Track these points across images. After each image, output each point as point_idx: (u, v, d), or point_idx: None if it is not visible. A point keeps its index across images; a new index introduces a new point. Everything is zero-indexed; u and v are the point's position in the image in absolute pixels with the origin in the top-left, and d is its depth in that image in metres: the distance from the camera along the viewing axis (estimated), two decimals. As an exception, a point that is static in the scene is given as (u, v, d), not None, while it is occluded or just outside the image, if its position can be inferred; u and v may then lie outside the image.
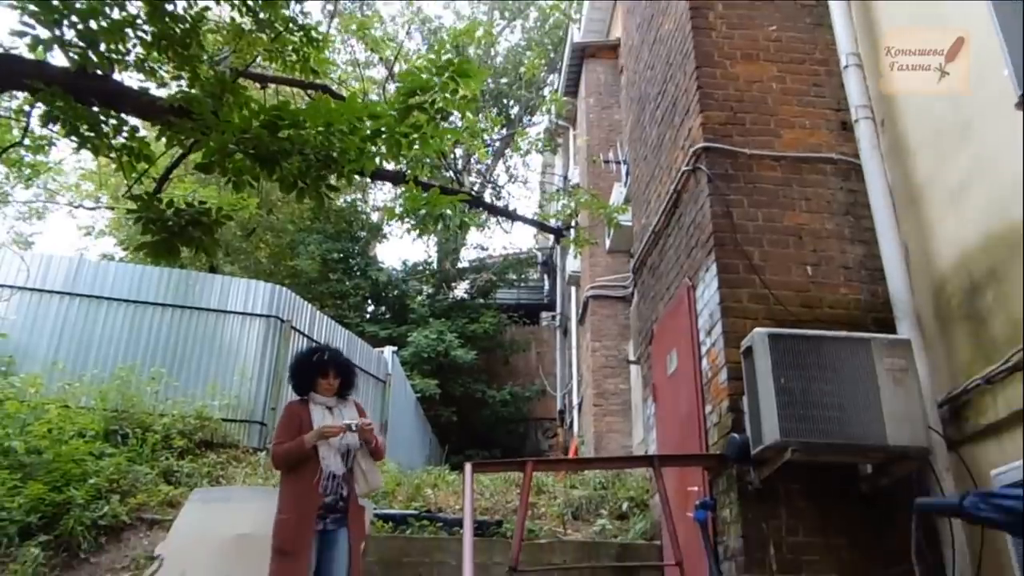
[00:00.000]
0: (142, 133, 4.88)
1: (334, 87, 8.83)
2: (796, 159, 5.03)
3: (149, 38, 4.78)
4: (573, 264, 14.85)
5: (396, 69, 12.48)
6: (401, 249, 40.88)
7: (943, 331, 4.23)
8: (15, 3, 4.28)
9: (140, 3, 4.66)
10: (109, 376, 8.15)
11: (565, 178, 17.07)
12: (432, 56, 5.43)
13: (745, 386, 4.12)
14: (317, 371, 4.77)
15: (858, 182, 4.91)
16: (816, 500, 4.12)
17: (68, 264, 9.18)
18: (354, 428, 4.54)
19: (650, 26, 6.84)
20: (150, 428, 7.54)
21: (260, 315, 9.42)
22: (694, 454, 4.82)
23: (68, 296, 8.85)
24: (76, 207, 15.42)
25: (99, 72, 4.61)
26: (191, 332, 9.15)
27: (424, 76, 5.01)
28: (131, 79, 5.16)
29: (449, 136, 5.76)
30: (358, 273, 19.06)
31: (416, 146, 5.08)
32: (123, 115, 4.74)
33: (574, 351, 15.26)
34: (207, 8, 5.25)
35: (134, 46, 4.85)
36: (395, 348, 13.94)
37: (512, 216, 9.64)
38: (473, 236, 23.01)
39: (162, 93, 5.26)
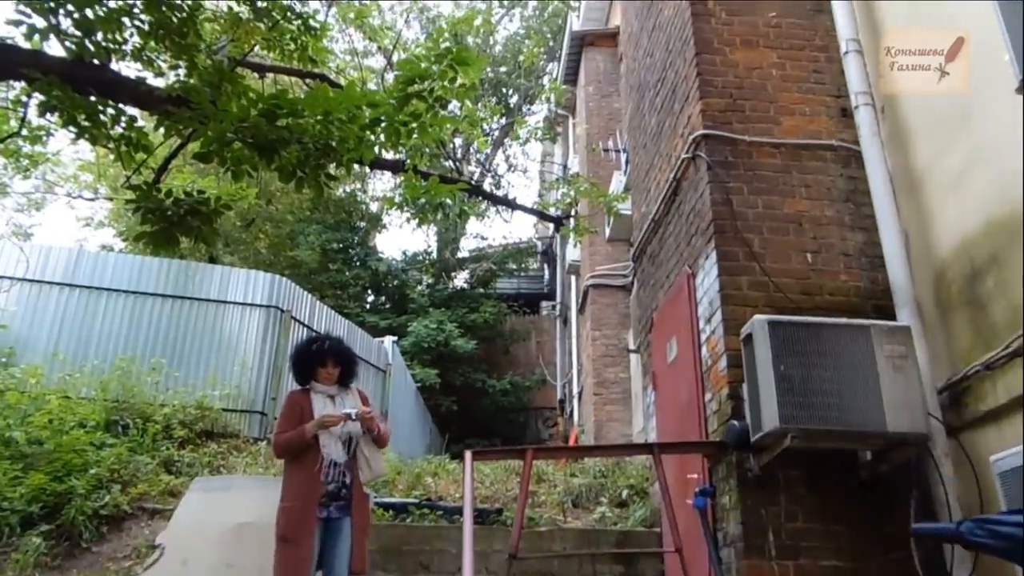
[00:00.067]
0: (140, 123, 4.86)
1: (332, 76, 8.78)
2: (796, 146, 5.01)
3: (146, 27, 4.77)
4: (573, 253, 14.84)
5: (395, 58, 12.44)
6: (401, 239, 40.97)
7: (943, 318, 4.23)
8: (10, -9, 4.27)
9: (136, -9, 4.65)
10: (109, 367, 8.16)
11: (565, 167, 17.04)
12: (430, 44, 5.41)
13: (745, 373, 4.12)
14: (317, 360, 4.77)
15: (858, 169, 4.90)
16: (815, 487, 4.13)
17: (67, 255, 9.17)
18: (354, 416, 4.55)
19: (649, 13, 6.82)
20: (151, 418, 7.55)
21: (260, 305, 9.42)
22: (694, 441, 4.83)
23: (68, 287, 8.85)
24: (75, 198, 15.43)
25: (96, 62, 4.59)
26: (191, 323, 9.15)
27: (423, 64, 4.99)
28: (128, 69, 5.15)
29: (448, 124, 5.75)
30: (358, 263, 19.06)
31: (415, 135, 5.07)
32: (121, 105, 4.72)
33: (574, 340, 15.28)
34: (204, -4, 5.24)
35: (131, 35, 4.84)
36: (395, 338, 13.95)
37: (512, 205, 9.62)
38: (473, 226, 23.02)
39: (159, 83, 5.24)
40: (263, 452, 7.82)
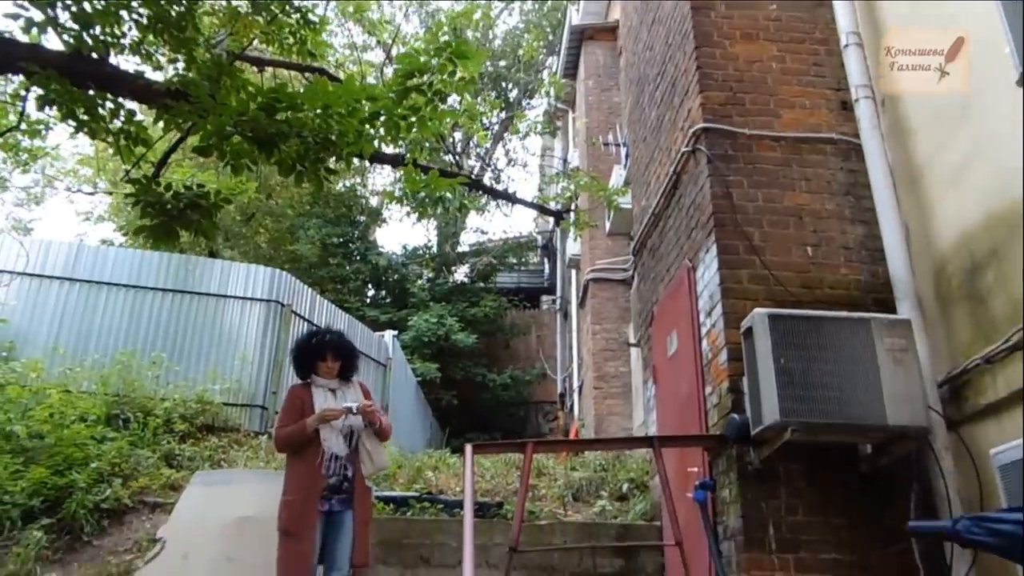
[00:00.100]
0: (139, 117, 4.85)
1: (332, 70, 8.78)
2: (796, 139, 5.01)
3: (144, 21, 4.75)
4: (573, 247, 14.83)
5: (394, 52, 12.41)
6: (401, 233, 40.96)
7: (943, 311, 4.22)
8: (9, -16, 4.25)
9: (135, -15, 4.63)
10: (110, 361, 8.16)
11: (564, 161, 17.02)
12: (429, 38, 5.39)
13: (745, 367, 4.12)
14: (316, 354, 4.79)
15: (858, 162, 4.89)
16: (815, 480, 4.13)
17: (67, 249, 9.17)
18: (355, 410, 4.56)
19: (649, 7, 6.80)
20: (151, 412, 7.56)
21: (260, 299, 9.42)
22: (694, 435, 4.83)
23: (68, 281, 8.85)
24: (74, 192, 15.41)
25: (94, 55, 4.57)
26: (191, 317, 9.15)
27: (422, 58, 4.98)
28: (127, 63, 5.15)
29: (448, 118, 5.73)
30: (358, 257, 19.05)
31: (415, 129, 5.06)
32: (120, 99, 4.71)
33: (574, 334, 15.28)
34: (203, -10, 5.22)
35: (129, 29, 4.82)
36: (395, 332, 13.95)
37: (512, 199, 9.61)
38: (473, 220, 22.99)
39: (158, 76, 5.23)
40: (264, 446, 7.83)
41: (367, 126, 4.77)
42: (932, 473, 3.96)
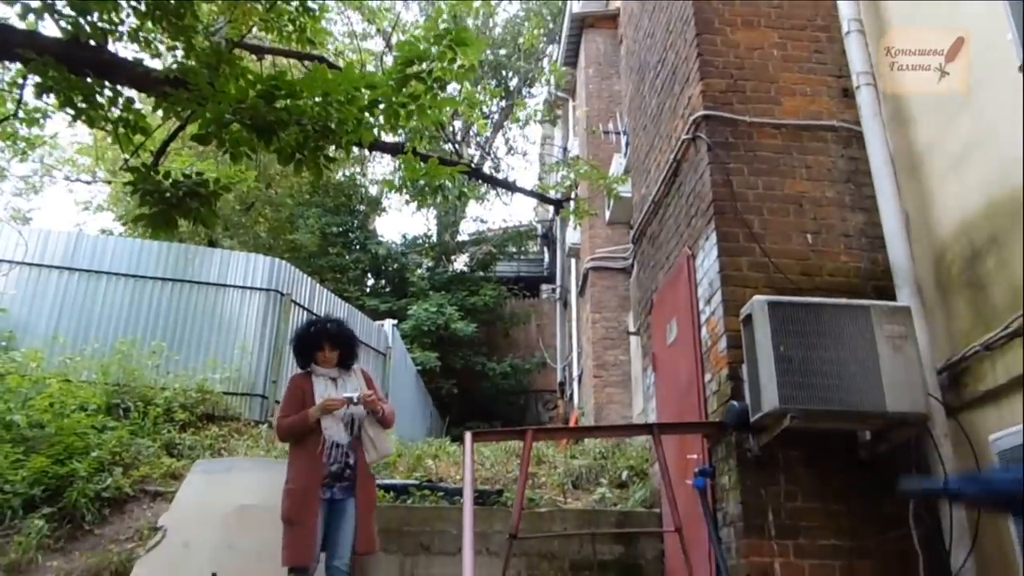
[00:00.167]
0: (138, 105, 4.84)
1: (331, 59, 8.75)
2: (797, 126, 4.99)
3: (143, 8, 4.72)
4: (573, 236, 14.82)
5: (393, 40, 12.34)
6: (400, 222, 40.90)
7: (943, 298, 4.23)
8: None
9: (132, -29, 4.61)
10: (110, 350, 8.16)
11: (564, 149, 16.98)
12: (429, 25, 5.37)
13: (744, 354, 4.12)
14: (315, 344, 4.81)
15: (859, 149, 4.88)
16: (815, 467, 4.14)
17: (67, 239, 9.16)
18: (356, 400, 4.57)
19: (649, -7, 6.76)
20: (151, 401, 7.57)
21: (260, 289, 9.41)
22: (693, 422, 4.84)
23: (67, 271, 8.84)
24: (73, 181, 15.38)
25: (92, 42, 4.56)
26: (191, 306, 9.15)
27: (421, 45, 4.96)
28: (125, 50, 5.12)
29: (447, 106, 5.71)
30: (357, 247, 19.05)
31: (414, 117, 5.04)
32: (118, 86, 4.70)
33: (574, 323, 15.28)
34: (201, -23, 5.20)
35: (127, 16, 4.80)
36: (395, 321, 13.95)
37: (511, 187, 9.59)
38: (473, 209, 22.98)
39: (157, 64, 5.21)
40: (264, 435, 7.84)
41: (366, 114, 4.76)
42: (931, 459, 3.97)
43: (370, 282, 19.82)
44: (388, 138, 6.86)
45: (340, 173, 19.72)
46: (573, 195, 10.41)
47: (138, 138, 4.86)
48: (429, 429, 14.70)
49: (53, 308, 8.63)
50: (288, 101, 4.43)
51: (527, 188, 11.38)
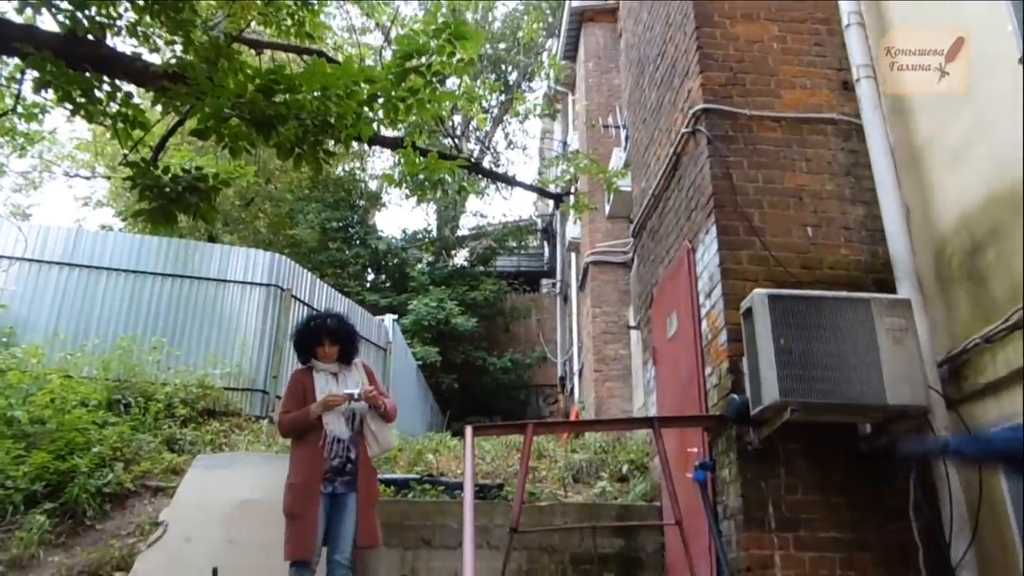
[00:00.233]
0: (136, 100, 4.83)
1: (330, 53, 8.72)
2: (797, 120, 4.98)
3: (141, 2, 4.72)
4: (573, 230, 14.81)
5: (392, 35, 12.31)
6: (400, 217, 40.95)
7: (943, 291, 4.22)
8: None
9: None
10: (110, 346, 8.16)
11: (564, 144, 16.96)
12: (428, 19, 5.36)
13: (745, 347, 4.12)
14: (314, 339, 4.81)
15: (859, 142, 4.87)
16: (815, 459, 4.14)
17: (66, 234, 9.15)
18: (357, 397, 4.58)
19: (649, -14, 6.75)
20: (152, 397, 7.56)
21: (260, 284, 9.40)
22: (694, 415, 4.84)
23: (67, 267, 8.82)
24: (72, 177, 15.37)
25: (91, 37, 4.55)
26: (191, 301, 9.13)
27: (420, 39, 4.95)
28: (124, 45, 5.11)
29: (447, 100, 5.70)
30: (357, 242, 19.03)
31: (413, 111, 5.04)
32: (117, 81, 4.69)
33: (574, 317, 15.29)
34: (199, -29, 5.18)
35: (125, 10, 4.79)
36: (395, 316, 13.96)
37: (511, 182, 9.59)
38: (472, 203, 23.00)
39: (155, 59, 5.20)
40: (265, 430, 7.84)
41: (366, 108, 4.76)
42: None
43: (370, 277, 19.82)
44: (387, 133, 6.85)
45: (340, 168, 19.70)
46: (573, 189, 10.39)
47: (137, 133, 4.85)
48: (430, 424, 14.71)
49: (53, 304, 8.62)
50: (287, 95, 4.42)
51: (527, 182, 11.39)
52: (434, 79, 5.00)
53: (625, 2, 8.49)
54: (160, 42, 5.37)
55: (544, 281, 20.80)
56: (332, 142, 4.84)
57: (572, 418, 12.92)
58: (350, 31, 14.23)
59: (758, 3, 5.31)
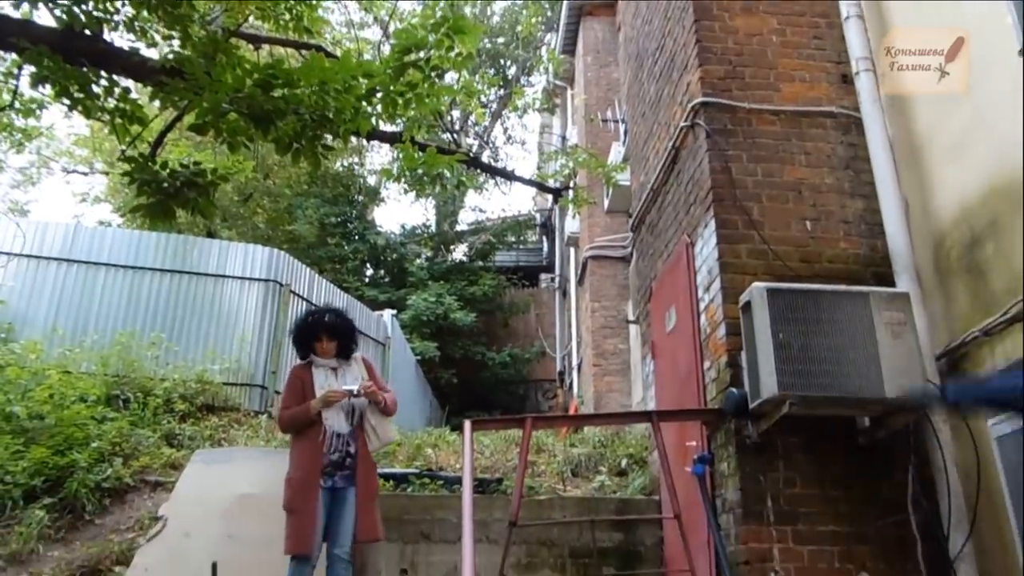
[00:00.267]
0: (134, 95, 4.82)
1: (328, 48, 8.70)
2: (796, 113, 4.98)
3: (138, -4, 4.71)
4: (572, 225, 14.80)
5: (391, 29, 12.28)
6: (399, 213, 40.89)
7: (942, 284, 4.22)
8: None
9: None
10: (109, 341, 8.16)
11: (563, 138, 16.94)
12: (427, 13, 5.34)
13: (743, 341, 4.12)
14: (312, 335, 4.82)
15: (858, 136, 4.87)
16: (813, 453, 4.15)
17: (65, 230, 9.14)
18: (356, 392, 4.58)
19: (648, -20, 6.73)
20: (151, 392, 7.56)
21: (259, 279, 9.40)
22: (692, 409, 4.84)
23: (65, 262, 8.82)
24: (70, 172, 15.34)
25: (88, 32, 4.54)
26: (190, 297, 9.13)
27: (419, 33, 4.94)
28: (121, 40, 5.10)
29: (445, 94, 5.70)
30: (356, 237, 19.01)
31: (412, 106, 5.03)
32: (114, 76, 4.68)
33: (573, 312, 15.28)
34: (196, -35, 5.16)
35: (123, 5, 4.78)
36: (394, 311, 13.95)
37: (510, 176, 9.57)
38: (471, 199, 22.92)
39: (153, 54, 5.19)
40: (264, 425, 7.85)
41: (364, 103, 4.75)
42: (930, 445, 3.98)
43: (369, 272, 19.80)
44: (386, 127, 6.84)
45: (338, 163, 19.68)
46: (572, 184, 10.40)
47: (135, 128, 4.85)
48: (429, 419, 14.71)
49: (52, 300, 8.62)
50: (285, 90, 4.42)
51: (526, 177, 11.37)
52: (433, 73, 4.99)
53: (624, -4, 8.47)
54: (158, 37, 5.36)
55: (543, 276, 20.77)
56: (330, 137, 4.83)
57: (571, 412, 12.92)
58: (348, 26, 14.20)
59: (757, -4, 5.30)
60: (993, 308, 3.71)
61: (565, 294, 17.23)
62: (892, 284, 4.33)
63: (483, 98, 17.76)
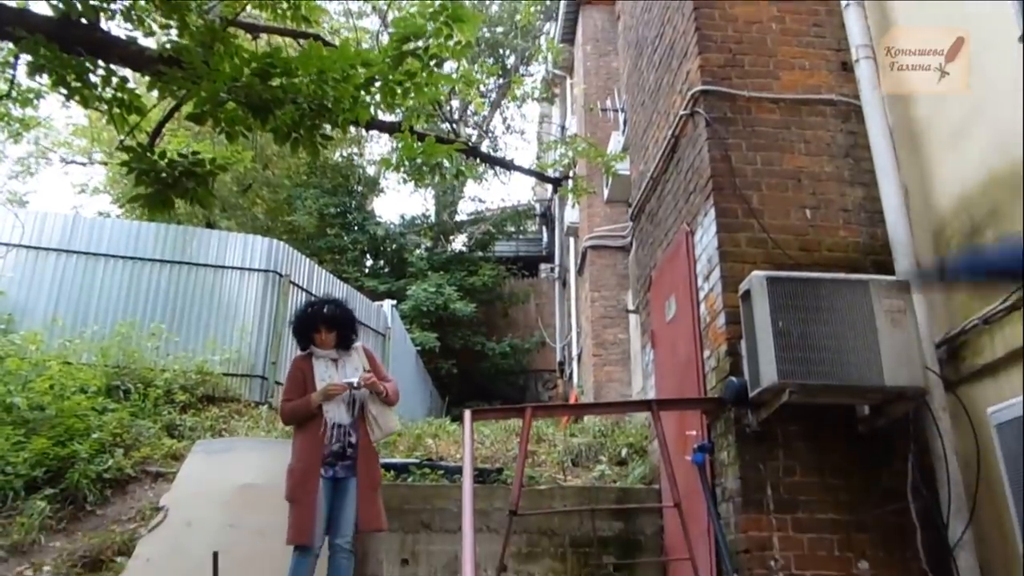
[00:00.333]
0: (132, 84, 4.80)
1: (327, 37, 8.67)
2: (795, 101, 4.96)
3: (135, -15, 4.69)
4: (571, 215, 14.79)
5: (389, 18, 12.23)
6: (399, 203, 40.81)
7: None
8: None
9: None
10: (109, 332, 8.17)
11: (562, 128, 16.90)
12: (426, 1, 5.32)
13: (743, 330, 4.12)
14: (311, 326, 4.82)
15: (858, 124, 4.85)
16: (813, 441, 4.15)
17: (64, 221, 9.14)
18: (356, 385, 4.59)
19: (647, -32, 6.70)
20: (152, 383, 7.57)
21: (258, 270, 9.40)
22: (692, 398, 4.84)
23: (65, 253, 8.82)
24: (69, 163, 15.32)
25: (84, 21, 4.52)
26: (189, 288, 9.14)
27: (418, 22, 4.92)
28: (118, 29, 5.07)
29: (444, 83, 5.68)
30: (356, 228, 19.00)
31: (411, 95, 5.02)
32: (112, 65, 4.66)
33: (573, 302, 15.29)
34: (193, -46, 5.13)
35: (120, -7, 4.77)
36: (394, 302, 13.96)
37: (509, 166, 9.54)
38: (471, 188, 22.91)
39: (150, 43, 5.17)
40: (264, 416, 7.86)
41: (363, 92, 4.74)
42: (929, 433, 3.99)
43: (369, 263, 19.80)
44: (385, 117, 6.83)
45: (337, 154, 19.64)
46: (571, 173, 10.35)
47: (133, 118, 4.83)
48: (429, 409, 14.74)
49: (51, 291, 8.62)
50: (283, 79, 4.40)
51: (525, 167, 11.32)
52: (431, 62, 4.97)
53: (623, -16, 8.43)
54: (155, 26, 5.34)
55: (543, 266, 20.77)
56: (329, 126, 4.82)
57: (571, 402, 12.94)
58: (347, 15, 14.14)
59: (757, -17, 5.27)
60: (993, 296, 3.70)
61: (565, 284, 17.23)
62: (892, 272, 4.32)
63: (482, 87, 17.73)
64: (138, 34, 5.13)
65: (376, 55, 4.90)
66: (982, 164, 3.91)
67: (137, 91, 4.80)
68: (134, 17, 5.05)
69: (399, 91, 4.87)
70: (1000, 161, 3.77)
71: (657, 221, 6.09)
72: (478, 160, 9.31)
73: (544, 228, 22.50)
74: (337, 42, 8.02)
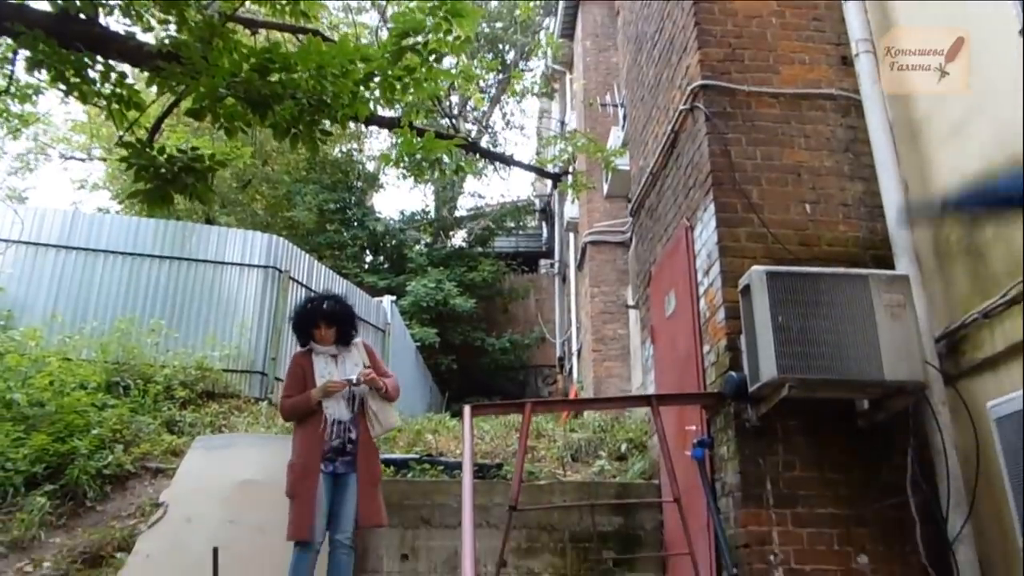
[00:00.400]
0: (131, 80, 4.80)
1: (326, 32, 8.65)
2: (795, 95, 4.95)
3: (133, -20, 4.68)
4: (571, 210, 14.78)
5: (388, 13, 12.20)
6: (398, 199, 40.82)
7: (941, 267, 4.22)
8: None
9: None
10: (109, 328, 8.17)
11: (562, 123, 16.88)
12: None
13: (743, 325, 4.11)
14: (310, 322, 4.82)
15: (858, 118, 4.84)
16: (813, 436, 4.15)
17: (63, 217, 9.13)
18: (356, 382, 4.59)
19: (646, -38, 6.68)
20: (151, 379, 7.58)
21: (258, 266, 9.40)
22: (692, 393, 4.84)
23: (64, 249, 8.81)
24: (68, 159, 15.29)
25: (83, 16, 4.51)
26: (189, 284, 9.14)
27: (417, 16, 4.91)
28: (117, 24, 5.06)
29: (443, 78, 5.67)
30: (355, 223, 18.98)
31: (410, 90, 5.02)
32: (110, 61, 4.65)
33: (573, 297, 15.29)
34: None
35: (118, -11, 4.75)
36: (394, 298, 13.95)
37: (509, 162, 9.51)
38: (470, 184, 22.85)
39: (149, 38, 5.16)
40: (264, 412, 7.87)
41: (362, 87, 4.73)
42: (929, 427, 3.98)
43: (368, 259, 19.78)
44: (384, 112, 6.80)
45: (337, 149, 19.62)
46: (571, 169, 10.35)
47: (132, 114, 4.82)
48: (429, 405, 14.74)
49: (51, 287, 8.62)
50: (282, 75, 4.40)
51: (525, 162, 11.31)
52: (431, 57, 4.97)
53: (622, -21, 8.42)
54: (154, 21, 5.32)
55: (542, 261, 20.75)
56: (328, 122, 4.81)
57: (571, 398, 12.94)
58: (346, 10, 14.17)
59: (756, -22, 5.26)
60: (993, 290, 3.70)
61: (564, 279, 17.23)
62: (891, 266, 4.32)
63: (481, 83, 17.69)
64: (137, 29, 5.12)
65: (375, 50, 4.89)
66: (982, 159, 3.90)
67: (136, 87, 4.80)
68: (132, 12, 5.03)
69: (398, 86, 4.87)
70: (1000, 155, 3.76)
71: (657, 216, 6.08)
72: (478, 156, 9.29)
73: (544, 224, 22.49)
74: (336, 37, 8.02)
